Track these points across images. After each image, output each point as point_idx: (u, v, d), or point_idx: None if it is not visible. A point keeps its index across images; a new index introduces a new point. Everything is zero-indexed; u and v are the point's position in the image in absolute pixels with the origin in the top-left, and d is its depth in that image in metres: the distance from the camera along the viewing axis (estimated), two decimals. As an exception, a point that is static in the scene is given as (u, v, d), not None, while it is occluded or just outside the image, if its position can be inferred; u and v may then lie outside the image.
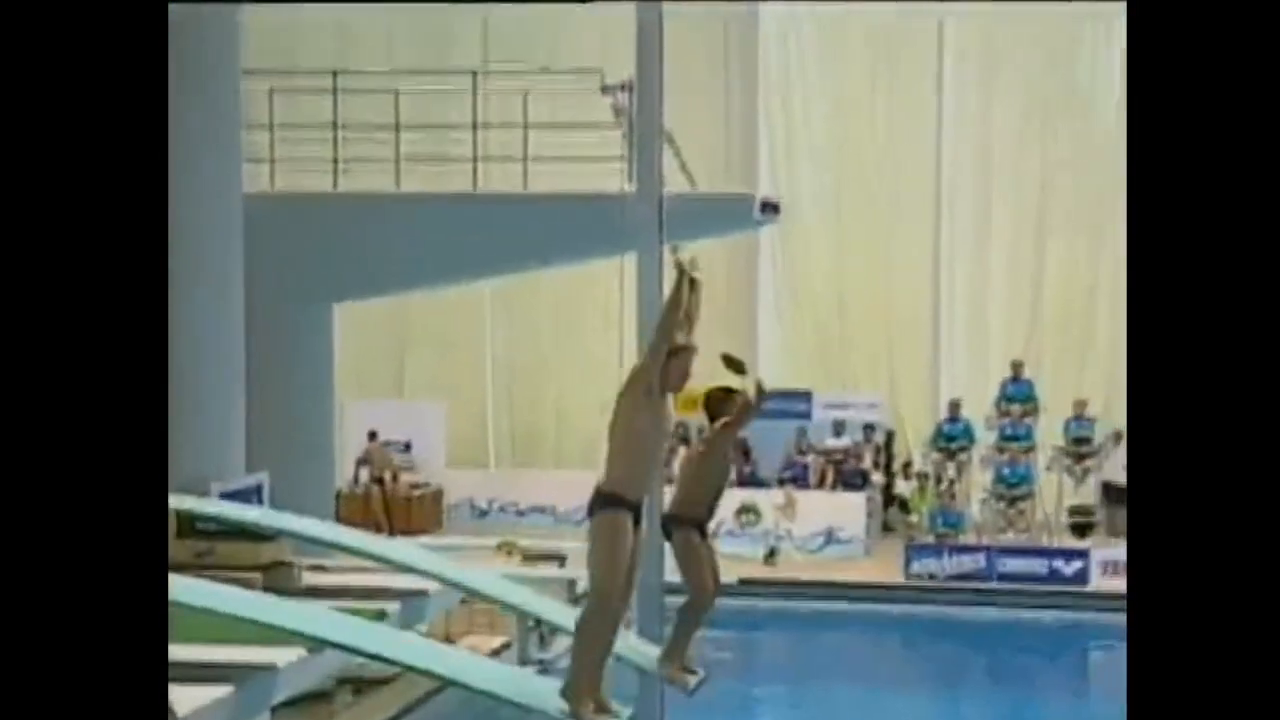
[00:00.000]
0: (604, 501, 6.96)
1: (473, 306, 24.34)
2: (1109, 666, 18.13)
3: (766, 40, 24.31)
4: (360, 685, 11.83)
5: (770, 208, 18.30)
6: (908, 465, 23.20)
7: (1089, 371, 23.73)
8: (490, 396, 25.01)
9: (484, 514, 23.01)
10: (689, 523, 8.17)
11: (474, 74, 18.09)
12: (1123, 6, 4.92)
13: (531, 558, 15.79)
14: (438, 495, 22.98)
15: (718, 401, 8.50)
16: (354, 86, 18.19)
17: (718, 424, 8.35)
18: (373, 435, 22.70)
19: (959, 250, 24.19)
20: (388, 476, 22.56)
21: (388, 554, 10.73)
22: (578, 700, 7.00)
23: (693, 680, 8.17)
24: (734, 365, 8.47)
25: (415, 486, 22.77)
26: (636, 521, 7.03)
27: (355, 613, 9.24)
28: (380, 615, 9.99)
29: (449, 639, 13.23)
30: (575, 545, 13.05)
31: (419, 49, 22.88)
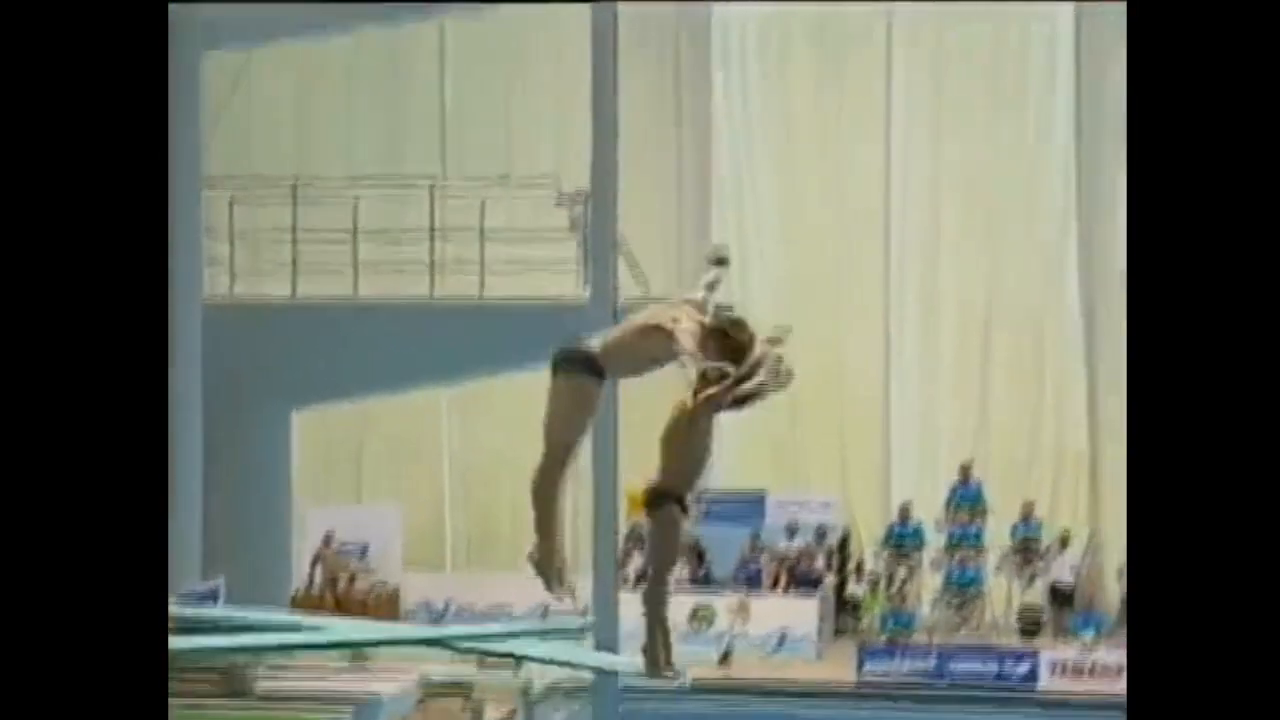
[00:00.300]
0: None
1: (430, 411, 24.35)
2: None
3: (720, 148, 24.58)
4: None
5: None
6: (860, 567, 23.24)
7: (1036, 474, 23.91)
8: (447, 500, 24.96)
9: (441, 615, 22.87)
10: (674, 498, 7.91)
11: (431, 182, 18.27)
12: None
13: (487, 660, 15.67)
14: (394, 597, 22.84)
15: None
16: (313, 194, 18.31)
17: (701, 395, 7.58)
18: (327, 539, 22.61)
19: (909, 355, 24.38)
20: (344, 579, 22.44)
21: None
22: (540, 565, 7.31)
23: (684, 674, 8.14)
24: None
25: (372, 589, 22.64)
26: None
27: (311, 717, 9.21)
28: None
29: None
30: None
31: (378, 156, 23.05)
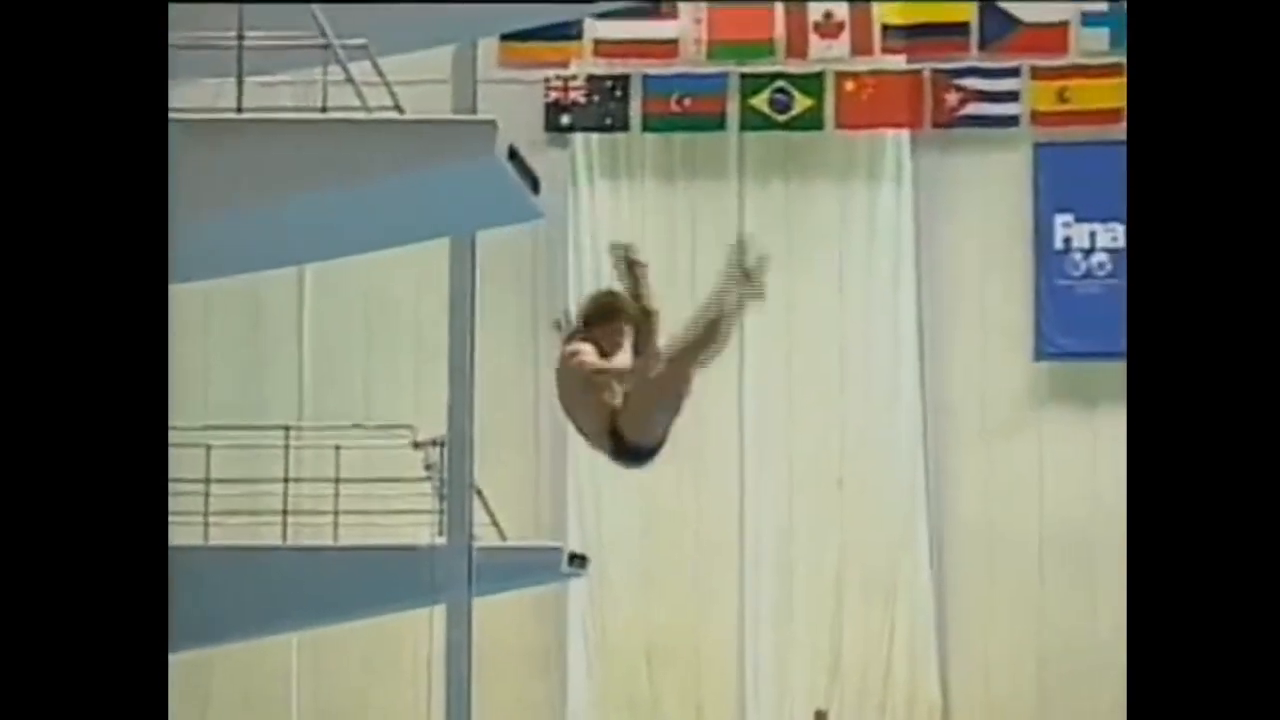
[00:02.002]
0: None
1: (280, 658, 23.71)
2: None
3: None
4: None
5: (578, 559, 18.33)
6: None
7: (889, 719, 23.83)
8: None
9: None
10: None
11: (286, 428, 18.09)
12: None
13: None
14: None
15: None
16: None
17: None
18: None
19: (764, 604, 24.34)
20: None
21: None
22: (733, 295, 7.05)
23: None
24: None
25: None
26: None
27: None
28: None
29: None
30: None
31: (234, 401, 22.83)
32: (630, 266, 7.41)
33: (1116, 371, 23.50)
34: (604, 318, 7.29)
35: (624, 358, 7.20)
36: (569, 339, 7.23)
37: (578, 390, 7.26)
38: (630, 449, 7.39)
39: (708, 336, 7.27)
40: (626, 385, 7.11)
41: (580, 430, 7.58)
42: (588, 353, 7.05)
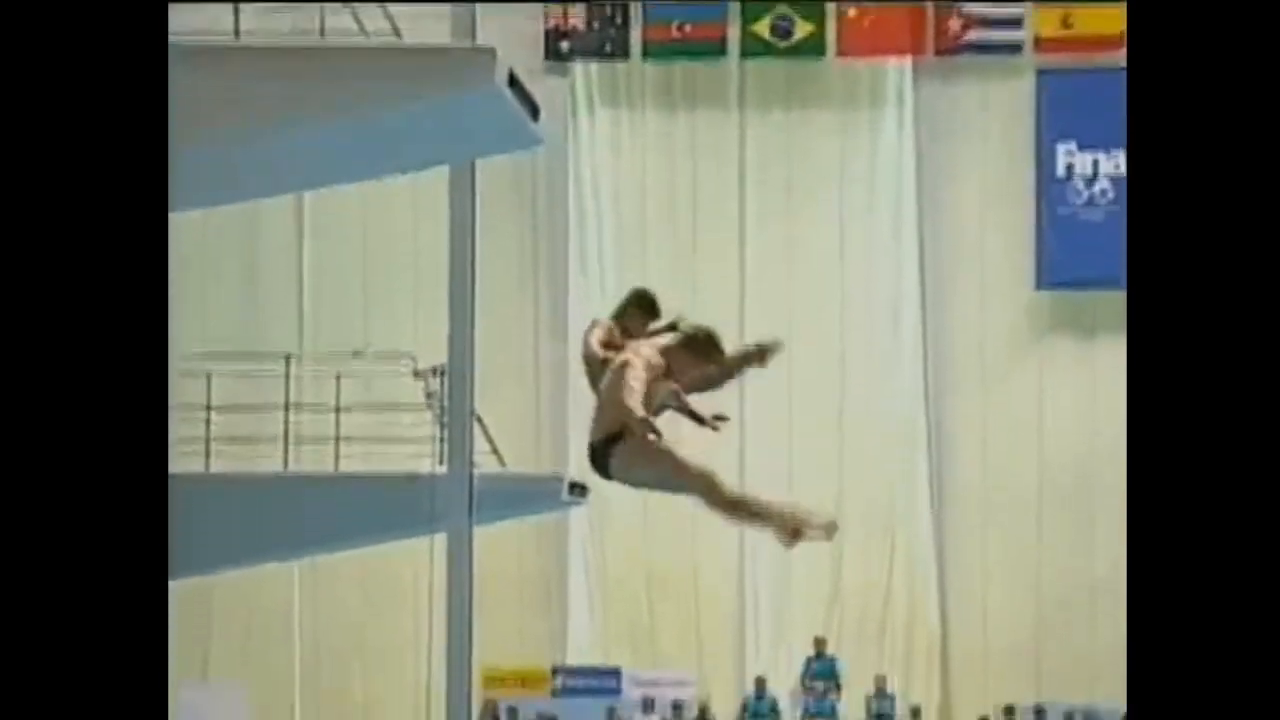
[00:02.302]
0: (604, 448, 7.05)
1: (282, 585, 23.78)
2: None
3: (576, 319, 24.68)
4: None
5: (579, 489, 18.31)
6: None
7: (888, 649, 23.92)
8: (297, 676, 24.29)
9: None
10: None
11: (287, 357, 18.03)
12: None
13: None
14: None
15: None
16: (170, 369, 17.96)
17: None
18: None
19: (764, 535, 24.36)
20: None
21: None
22: (799, 524, 7.24)
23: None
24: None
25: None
26: None
27: None
28: None
29: None
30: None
31: (234, 331, 22.77)
32: (760, 356, 7.64)
33: (1117, 301, 23.50)
34: (697, 354, 7.33)
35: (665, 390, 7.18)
36: (626, 331, 7.26)
37: (611, 389, 7.23)
38: (606, 465, 7.36)
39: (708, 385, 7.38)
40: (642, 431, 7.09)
41: (598, 406, 7.48)
42: (637, 391, 7.00)
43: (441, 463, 13.39)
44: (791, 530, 7.11)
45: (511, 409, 21.63)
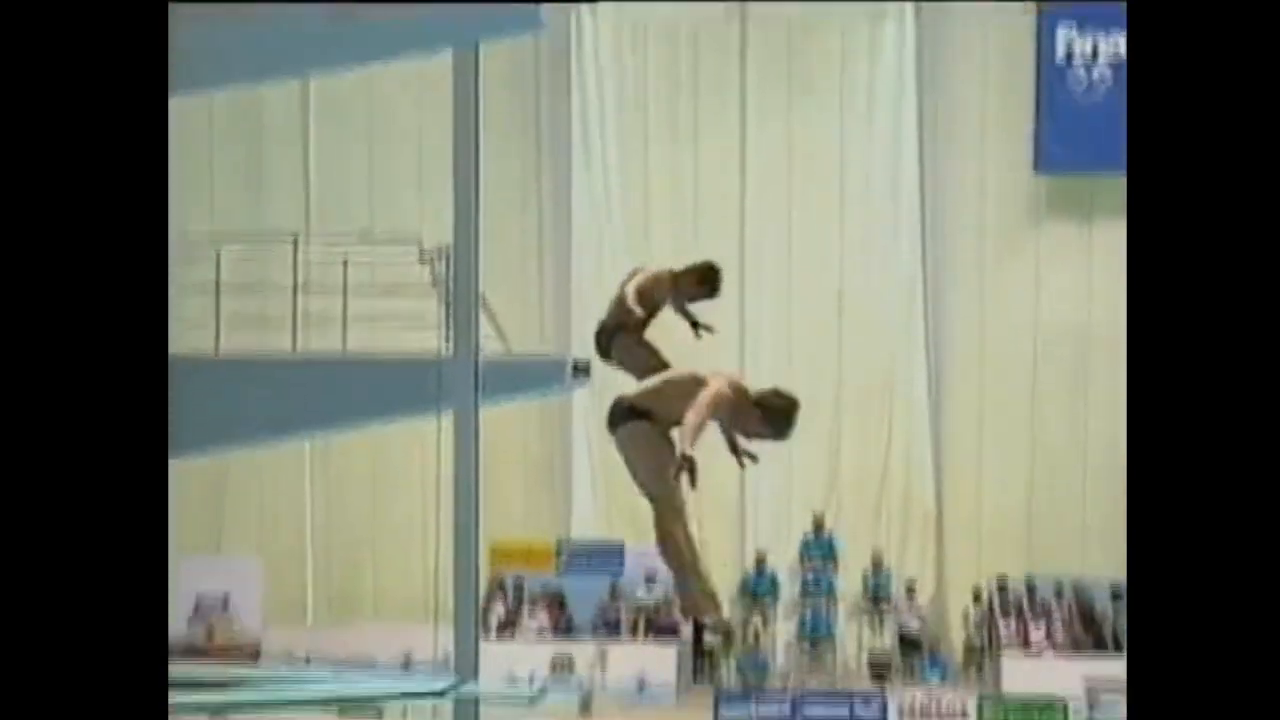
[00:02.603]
0: (626, 413, 7.01)
1: (293, 464, 23.96)
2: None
3: (580, 204, 24.62)
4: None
5: (582, 370, 18.34)
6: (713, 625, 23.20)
7: (884, 527, 24.12)
8: (309, 552, 24.55)
9: (303, 668, 22.42)
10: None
11: (294, 238, 17.98)
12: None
13: (348, 710, 15.40)
14: (255, 650, 22.34)
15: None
16: (177, 249, 17.93)
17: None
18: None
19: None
20: (203, 629, 21.97)
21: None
22: (701, 610, 7.05)
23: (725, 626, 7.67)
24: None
25: (233, 639, 22.16)
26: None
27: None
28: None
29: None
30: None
31: (242, 212, 22.74)
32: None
33: (1115, 186, 23.36)
34: (772, 423, 7.34)
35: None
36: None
37: (678, 392, 7.17)
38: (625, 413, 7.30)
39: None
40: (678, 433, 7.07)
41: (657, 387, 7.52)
42: (694, 424, 6.92)
43: (448, 345, 13.41)
44: (689, 607, 7.10)
45: (515, 292, 21.65)
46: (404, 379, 15.74)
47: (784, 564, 22.87)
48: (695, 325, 7.91)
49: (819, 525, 23.17)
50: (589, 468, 24.52)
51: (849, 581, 22.98)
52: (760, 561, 22.83)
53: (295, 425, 17.43)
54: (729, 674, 21.70)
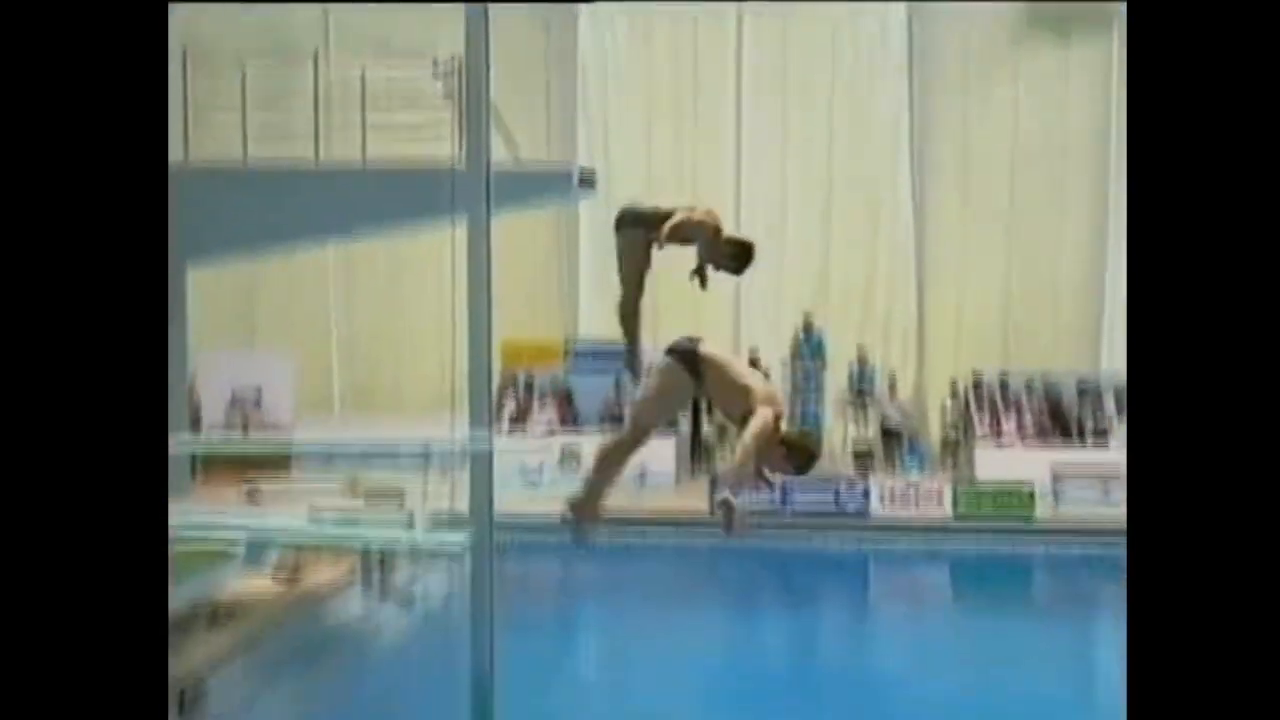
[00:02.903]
0: (688, 355, 7.12)
1: (318, 268, 24.04)
2: (888, 583, 18.56)
3: (584, 30, 24.31)
4: (215, 614, 11.61)
5: (587, 181, 18.27)
6: (712, 410, 23.50)
7: (869, 326, 24.27)
8: (335, 350, 24.73)
9: (330, 457, 22.71)
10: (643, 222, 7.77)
11: (315, 52, 17.79)
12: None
13: (373, 495, 15.64)
14: (286, 439, 22.61)
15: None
16: (203, 63, 17.77)
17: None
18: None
19: (758, 216, 24.45)
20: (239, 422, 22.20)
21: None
22: (582, 511, 7.19)
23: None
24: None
25: (265, 431, 22.40)
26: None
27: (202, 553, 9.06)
28: (226, 553, 9.81)
29: (297, 569, 13.04)
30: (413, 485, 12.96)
31: (264, 29, 22.41)
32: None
33: (1092, 7, 22.88)
34: (794, 459, 7.24)
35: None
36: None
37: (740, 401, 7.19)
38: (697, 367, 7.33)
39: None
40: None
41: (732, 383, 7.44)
42: (750, 452, 6.98)
43: (461, 155, 13.32)
44: (574, 506, 7.14)
45: (522, 101, 21.43)
46: (419, 187, 15.68)
47: (776, 359, 23.01)
48: (703, 279, 7.79)
49: (808, 325, 23.27)
50: (594, 272, 24.56)
51: (835, 376, 23.17)
52: (753, 361, 22.94)
53: (318, 231, 17.45)
54: (724, 464, 21.95)
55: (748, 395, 7.05)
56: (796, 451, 7.16)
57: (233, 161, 16.85)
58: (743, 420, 7.00)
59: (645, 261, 7.78)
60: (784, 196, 24.55)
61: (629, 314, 8.00)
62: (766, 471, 7.30)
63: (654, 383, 7.22)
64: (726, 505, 6.72)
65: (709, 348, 7.27)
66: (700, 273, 7.75)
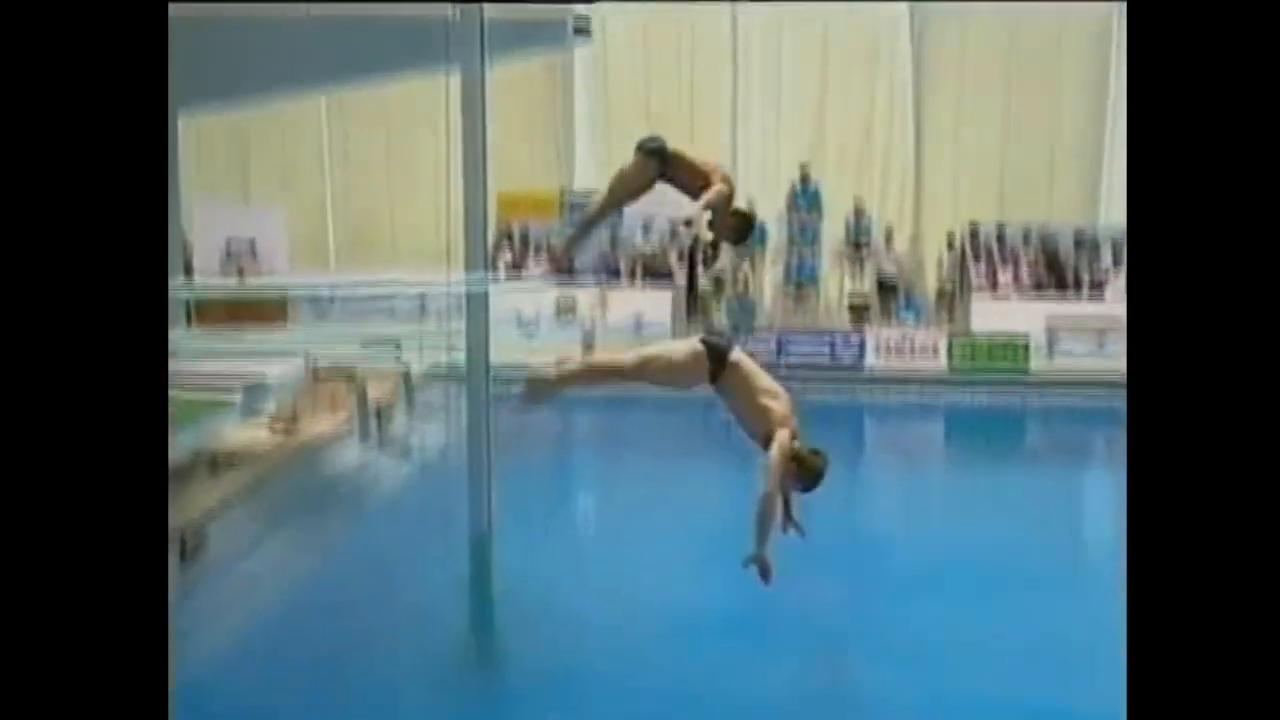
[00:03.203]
0: (722, 360, 7.39)
1: (312, 119, 23.81)
2: (882, 435, 18.67)
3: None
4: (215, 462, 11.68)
5: (582, 30, 18.00)
6: (707, 255, 23.43)
7: (866, 178, 24.10)
8: (329, 200, 24.60)
9: (327, 307, 22.71)
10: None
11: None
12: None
13: (369, 344, 15.71)
14: (281, 290, 22.57)
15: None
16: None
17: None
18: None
19: (754, 80, 24.22)
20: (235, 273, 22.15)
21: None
22: (540, 387, 7.45)
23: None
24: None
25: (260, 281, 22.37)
26: None
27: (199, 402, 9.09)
28: (223, 402, 9.84)
29: (294, 418, 13.10)
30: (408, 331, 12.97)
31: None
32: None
33: None
34: (801, 477, 7.39)
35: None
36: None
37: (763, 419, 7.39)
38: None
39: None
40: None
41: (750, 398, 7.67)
42: (779, 471, 7.16)
43: (455, 5, 13.11)
44: (531, 380, 7.23)
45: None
46: (411, 36, 15.46)
47: (772, 214, 22.90)
48: (716, 253, 8.29)
49: (805, 176, 23.12)
50: (589, 123, 24.35)
51: (832, 227, 23.08)
52: (748, 215, 22.86)
53: (311, 81, 17.24)
54: (720, 317, 21.95)
55: (766, 417, 7.28)
56: (806, 470, 7.34)
57: (224, 9, 16.58)
58: (765, 441, 7.22)
59: (644, 190, 8.19)
60: (779, 44, 24.24)
61: (595, 218, 8.54)
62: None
63: (677, 358, 7.39)
64: (763, 567, 6.95)
65: (740, 354, 7.49)
66: (714, 247, 8.06)
